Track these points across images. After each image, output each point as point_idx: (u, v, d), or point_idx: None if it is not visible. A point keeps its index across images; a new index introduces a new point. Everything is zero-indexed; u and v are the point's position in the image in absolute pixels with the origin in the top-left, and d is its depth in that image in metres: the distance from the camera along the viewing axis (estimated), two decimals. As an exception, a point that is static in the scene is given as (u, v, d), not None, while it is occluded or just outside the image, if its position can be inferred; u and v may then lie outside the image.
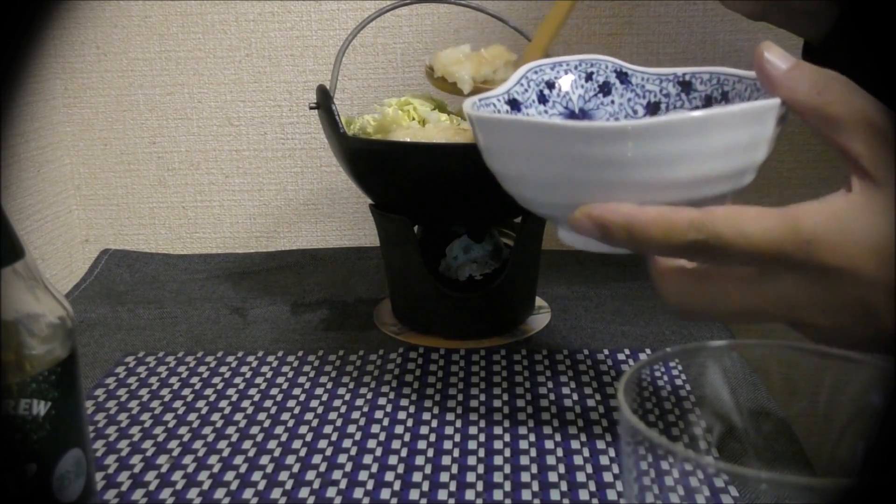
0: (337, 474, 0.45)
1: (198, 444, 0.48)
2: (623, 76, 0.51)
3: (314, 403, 0.53)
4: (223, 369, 0.58)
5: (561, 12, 0.58)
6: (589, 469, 0.45)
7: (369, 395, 0.54)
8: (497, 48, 0.60)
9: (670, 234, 0.37)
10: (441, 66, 0.59)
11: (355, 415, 0.51)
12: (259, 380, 0.56)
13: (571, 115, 0.51)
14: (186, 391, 0.55)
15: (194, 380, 0.56)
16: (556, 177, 0.40)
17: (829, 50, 0.54)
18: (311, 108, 0.61)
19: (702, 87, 0.49)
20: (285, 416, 0.51)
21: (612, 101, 0.51)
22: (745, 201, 0.38)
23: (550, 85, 0.51)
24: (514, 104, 0.50)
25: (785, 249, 0.36)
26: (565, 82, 0.51)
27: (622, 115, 0.51)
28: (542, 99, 0.51)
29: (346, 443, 0.48)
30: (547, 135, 0.39)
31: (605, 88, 0.52)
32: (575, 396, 0.53)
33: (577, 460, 0.46)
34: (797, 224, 0.36)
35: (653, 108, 0.50)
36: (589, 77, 0.51)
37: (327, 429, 0.50)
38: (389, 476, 0.45)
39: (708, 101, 0.48)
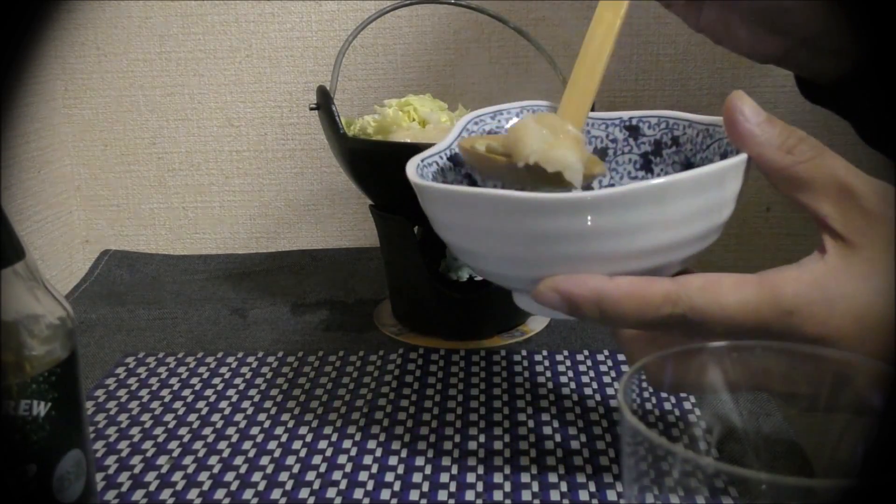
0: (337, 475, 0.45)
1: (198, 445, 0.48)
2: None
3: (314, 404, 0.53)
4: (223, 370, 0.58)
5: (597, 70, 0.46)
6: (589, 470, 0.45)
7: (369, 396, 0.54)
8: (550, 116, 0.45)
9: (644, 308, 0.36)
10: (529, 149, 0.42)
11: (355, 415, 0.51)
12: (259, 380, 0.56)
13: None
14: (186, 392, 0.55)
15: (194, 380, 0.56)
16: (511, 251, 0.38)
17: (848, 88, 0.50)
18: (311, 108, 0.61)
19: (650, 132, 0.47)
20: (285, 416, 0.51)
21: None
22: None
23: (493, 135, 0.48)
24: (457, 159, 0.47)
25: (765, 321, 0.35)
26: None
27: None
28: None
29: (346, 443, 0.48)
30: (499, 208, 0.37)
31: None
32: (575, 397, 0.53)
33: (577, 461, 0.46)
34: (777, 294, 0.35)
35: (599, 155, 0.48)
36: None
37: (327, 429, 0.50)
38: (389, 476, 0.45)
39: (657, 146, 0.47)
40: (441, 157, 0.46)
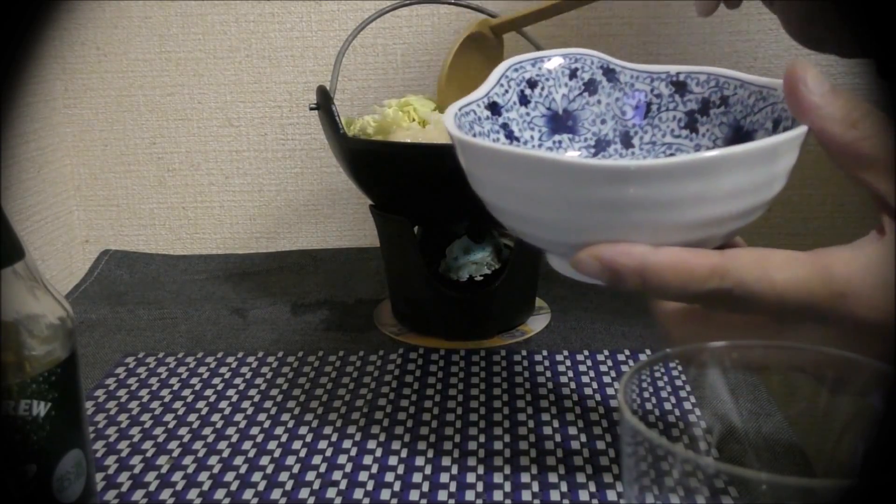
0: (337, 475, 0.45)
1: (198, 445, 0.48)
2: (610, 73, 0.47)
3: (314, 404, 0.53)
4: (223, 370, 0.58)
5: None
6: (589, 470, 0.45)
7: (369, 396, 0.54)
8: None
9: (689, 281, 0.34)
10: None
11: (355, 415, 0.51)
12: (259, 380, 0.56)
13: (555, 116, 0.47)
14: (186, 392, 0.55)
15: (194, 380, 0.56)
16: (553, 215, 0.36)
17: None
18: (311, 108, 0.61)
19: (698, 90, 0.45)
20: (285, 416, 0.51)
21: (599, 101, 0.47)
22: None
23: (532, 84, 0.47)
24: (495, 108, 0.46)
25: (815, 301, 0.33)
26: (548, 81, 0.47)
27: (609, 116, 0.47)
28: (524, 100, 0.47)
29: (346, 443, 0.48)
30: (545, 171, 0.35)
31: (590, 86, 0.47)
32: (575, 397, 0.53)
33: (577, 461, 0.46)
34: (830, 274, 0.33)
35: (644, 110, 0.47)
36: (573, 74, 0.47)
37: (327, 429, 0.50)
38: (389, 476, 0.45)
39: (704, 105, 0.45)
40: (479, 106, 0.45)
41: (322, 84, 0.61)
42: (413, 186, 0.58)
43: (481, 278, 0.64)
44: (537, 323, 0.65)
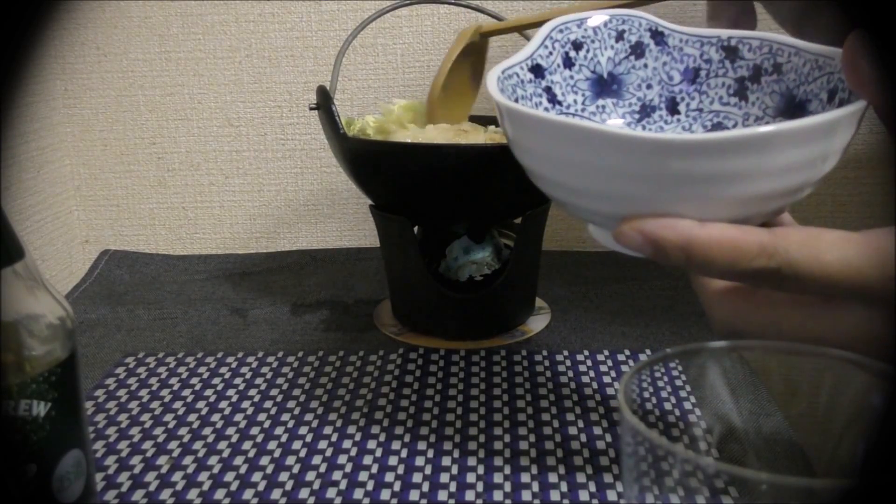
0: (337, 475, 0.45)
1: (198, 445, 0.48)
2: (658, 36, 0.46)
3: (314, 404, 0.53)
4: (223, 370, 0.58)
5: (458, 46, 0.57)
6: (589, 470, 0.45)
7: (369, 396, 0.54)
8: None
9: (736, 259, 0.33)
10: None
11: (355, 416, 0.51)
12: (259, 380, 0.56)
13: (599, 79, 0.46)
14: (186, 392, 0.55)
15: (194, 380, 0.56)
16: (599, 186, 0.35)
17: None
18: (311, 108, 0.61)
19: (750, 56, 0.43)
20: (285, 416, 0.51)
21: (646, 65, 0.46)
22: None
23: (577, 46, 0.45)
24: (538, 71, 0.44)
25: (867, 283, 0.32)
26: (594, 43, 0.46)
27: (655, 81, 0.46)
28: (568, 63, 0.45)
29: (346, 443, 0.48)
30: (595, 143, 0.34)
31: (637, 50, 0.46)
32: (575, 397, 0.53)
33: (577, 461, 0.46)
34: (883, 256, 0.32)
35: (692, 75, 0.45)
36: (620, 36, 0.46)
37: (327, 429, 0.50)
38: (389, 476, 0.45)
39: (756, 72, 0.43)
40: (521, 68, 0.44)
41: (322, 84, 0.61)
42: (413, 186, 0.58)
43: (481, 278, 0.64)
44: (537, 323, 0.65)
